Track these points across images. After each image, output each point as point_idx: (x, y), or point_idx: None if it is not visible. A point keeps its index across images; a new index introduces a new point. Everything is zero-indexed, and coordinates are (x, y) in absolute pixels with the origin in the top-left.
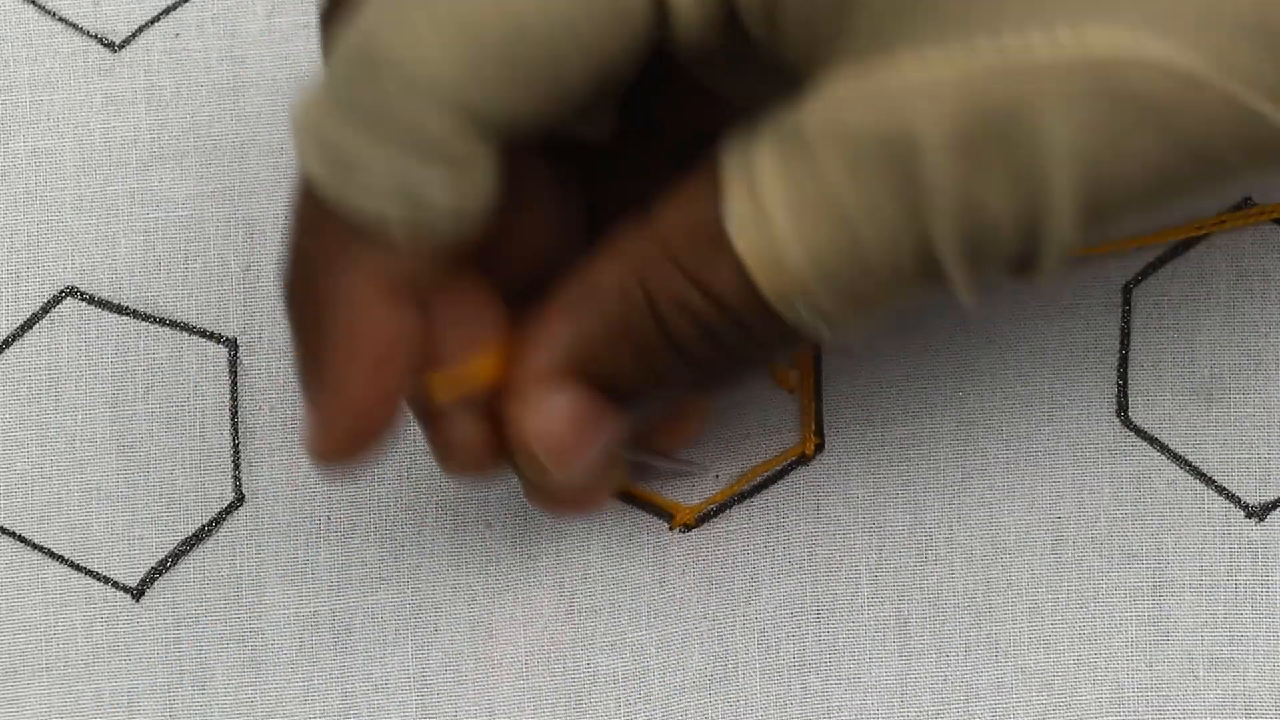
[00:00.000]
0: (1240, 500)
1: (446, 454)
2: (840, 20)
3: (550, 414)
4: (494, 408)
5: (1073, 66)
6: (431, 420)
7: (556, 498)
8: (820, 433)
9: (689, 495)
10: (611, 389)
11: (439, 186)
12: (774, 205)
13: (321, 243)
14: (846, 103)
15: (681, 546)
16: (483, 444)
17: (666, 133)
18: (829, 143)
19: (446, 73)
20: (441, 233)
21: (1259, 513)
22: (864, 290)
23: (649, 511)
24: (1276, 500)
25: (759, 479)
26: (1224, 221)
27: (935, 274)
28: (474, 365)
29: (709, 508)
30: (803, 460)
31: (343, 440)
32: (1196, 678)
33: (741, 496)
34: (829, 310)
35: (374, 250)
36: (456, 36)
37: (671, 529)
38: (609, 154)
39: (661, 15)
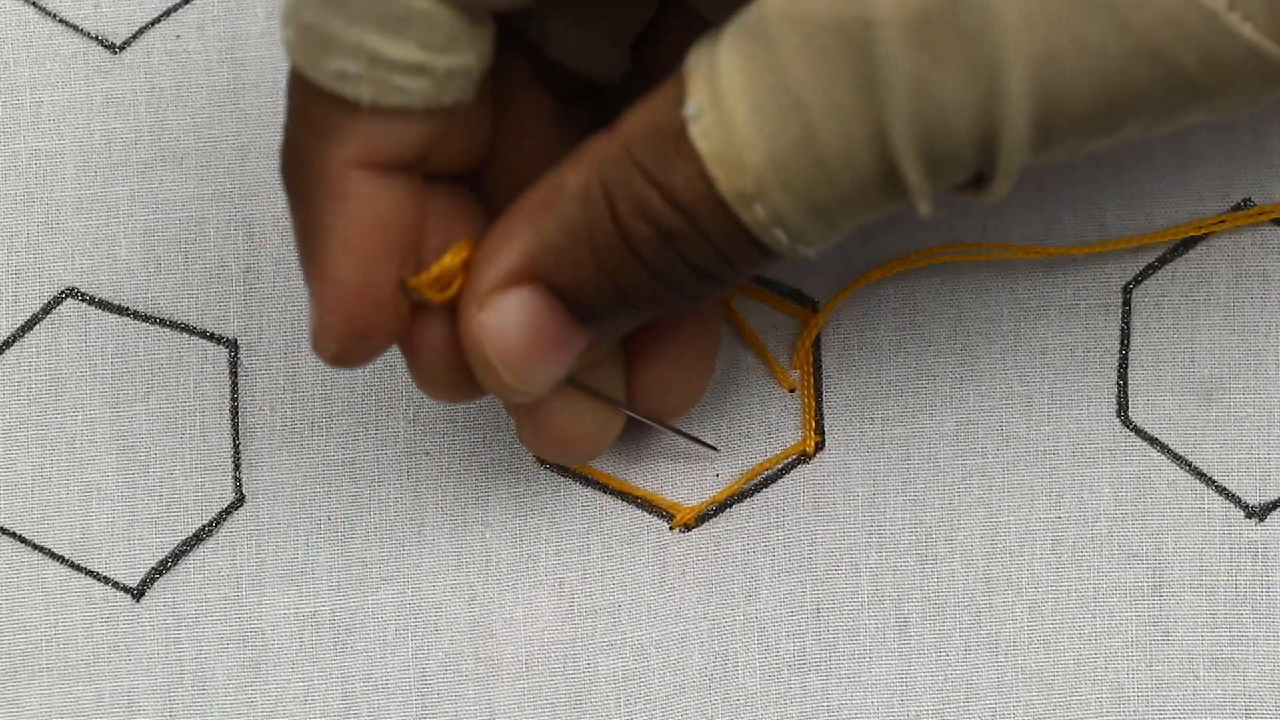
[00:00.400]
0: (1240, 500)
1: (420, 367)
2: None
3: (505, 317)
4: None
5: None
6: (409, 332)
7: (544, 434)
8: (821, 431)
9: (689, 495)
10: (574, 301)
11: (404, 54)
12: (733, 99)
13: (309, 126)
14: None
15: (682, 546)
16: (454, 353)
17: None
18: (788, 28)
19: None
20: (413, 98)
21: (1259, 513)
22: (822, 195)
23: (649, 511)
24: (1276, 500)
25: (759, 478)
26: (1224, 222)
27: (893, 179)
28: (445, 262)
29: (709, 508)
30: (803, 459)
31: (341, 329)
32: (1197, 678)
33: (742, 496)
34: (787, 215)
35: (357, 129)
36: None
37: (672, 529)
38: (621, 95)
39: None
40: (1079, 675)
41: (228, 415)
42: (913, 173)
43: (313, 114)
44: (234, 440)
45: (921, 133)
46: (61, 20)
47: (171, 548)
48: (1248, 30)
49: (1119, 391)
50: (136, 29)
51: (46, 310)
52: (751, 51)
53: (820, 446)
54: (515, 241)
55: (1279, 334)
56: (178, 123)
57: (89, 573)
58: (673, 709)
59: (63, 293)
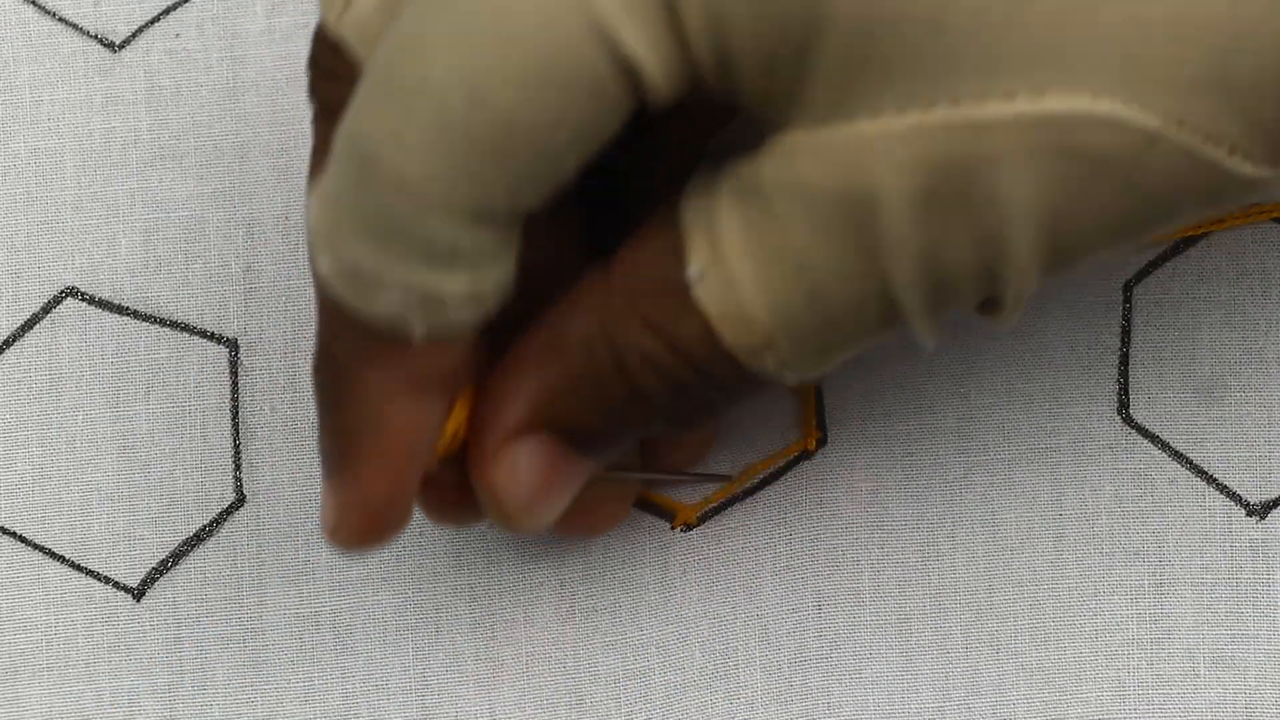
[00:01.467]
0: (1241, 498)
1: (428, 504)
2: (796, 87)
3: (515, 469)
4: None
5: (1029, 124)
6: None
7: (568, 523)
8: (823, 427)
9: (691, 495)
10: (578, 437)
11: (457, 288)
12: (737, 261)
13: (346, 343)
14: (806, 159)
15: (683, 545)
16: (461, 495)
17: (664, 150)
18: (789, 198)
19: (441, 178)
20: (464, 327)
21: (1260, 511)
22: (828, 339)
23: (651, 512)
24: (1277, 498)
25: (761, 475)
26: (1224, 220)
27: (897, 321)
28: (455, 429)
29: (711, 506)
30: (805, 455)
31: (362, 529)
32: (1198, 675)
33: (744, 494)
34: (794, 360)
35: (398, 351)
36: (444, 141)
37: (673, 528)
38: (611, 172)
39: (636, 86)
40: (1080, 672)
41: (228, 415)
42: (919, 320)
43: (353, 335)
44: (234, 440)
45: (929, 290)
46: (60, 19)
47: (172, 548)
48: (1248, 168)
49: (1120, 389)
50: (136, 28)
51: (46, 310)
52: (750, 215)
53: (822, 443)
54: (520, 393)
55: (1279, 332)
56: (177, 121)
57: (89, 573)
58: (673, 707)
59: (62, 292)
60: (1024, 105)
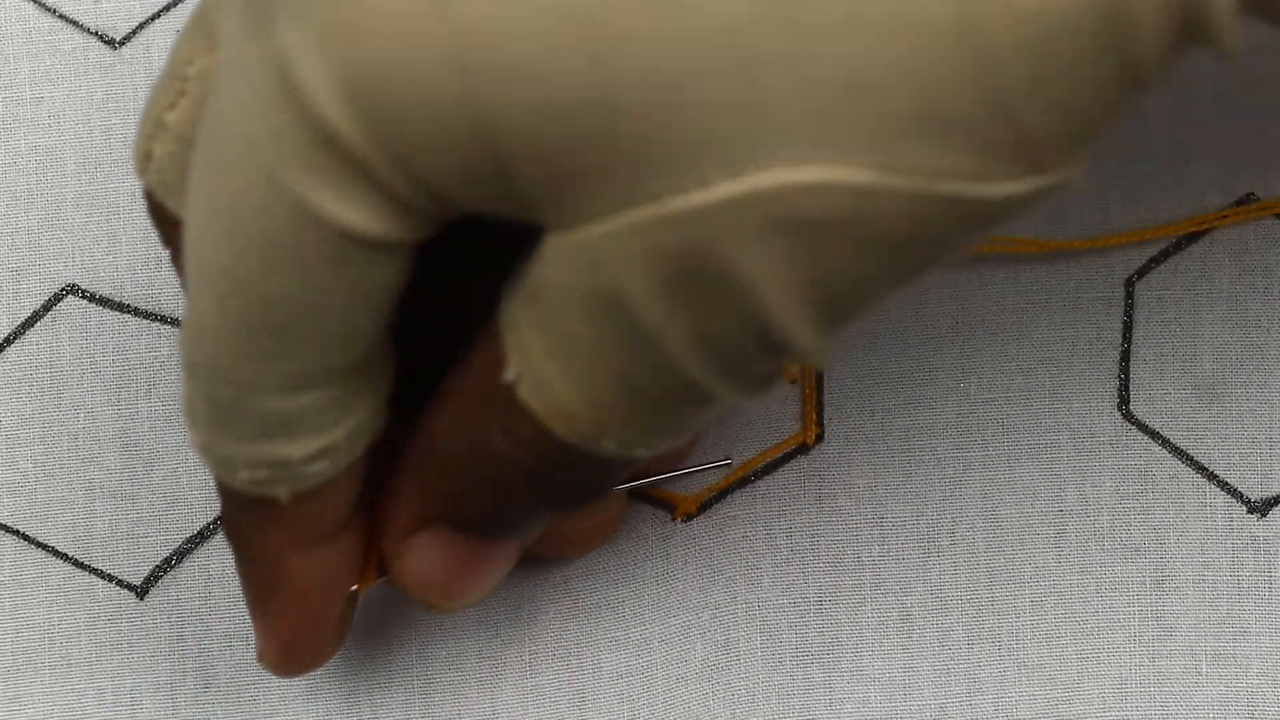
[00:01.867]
0: (1242, 495)
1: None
2: (521, 206)
3: (419, 563)
4: None
5: (739, 204)
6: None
7: (564, 546)
8: (821, 422)
9: (690, 484)
10: (474, 526)
11: (305, 451)
12: (542, 363)
13: (233, 507)
14: (560, 263)
15: (684, 536)
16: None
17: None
18: (561, 300)
19: (242, 361)
20: (330, 478)
21: (1261, 508)
22: (660, 417)
23: (651, 504)
24: (1278, 496)
25: (759, 466)
26: (1226, 216)
27: (709, 388)
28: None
29: (710, 495)
30: (803, 449)
31: (284, 661)
32: (1199, 673)
33: (742, 483)
34: (638, 438)
35: (285, 517)
36: (229, 327)
37: (674, 519)
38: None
39: (370, 243)
40: (1081, 670)
41: None
42: (720, 384)
43: (240, 501)
44: None
45: (714, 360)
46: (61, 16)
47: (175, 545)
48: (1005, 187)
49: (1121, 385)
50: (136, 24)
51: (47, 307)
52: (539, 318)
53: (820, 438)
54: (408, 496)
55: None
56: None
57: (93, 570)
58: (675, 701)
59: (63, 289)
60: (727, 188)
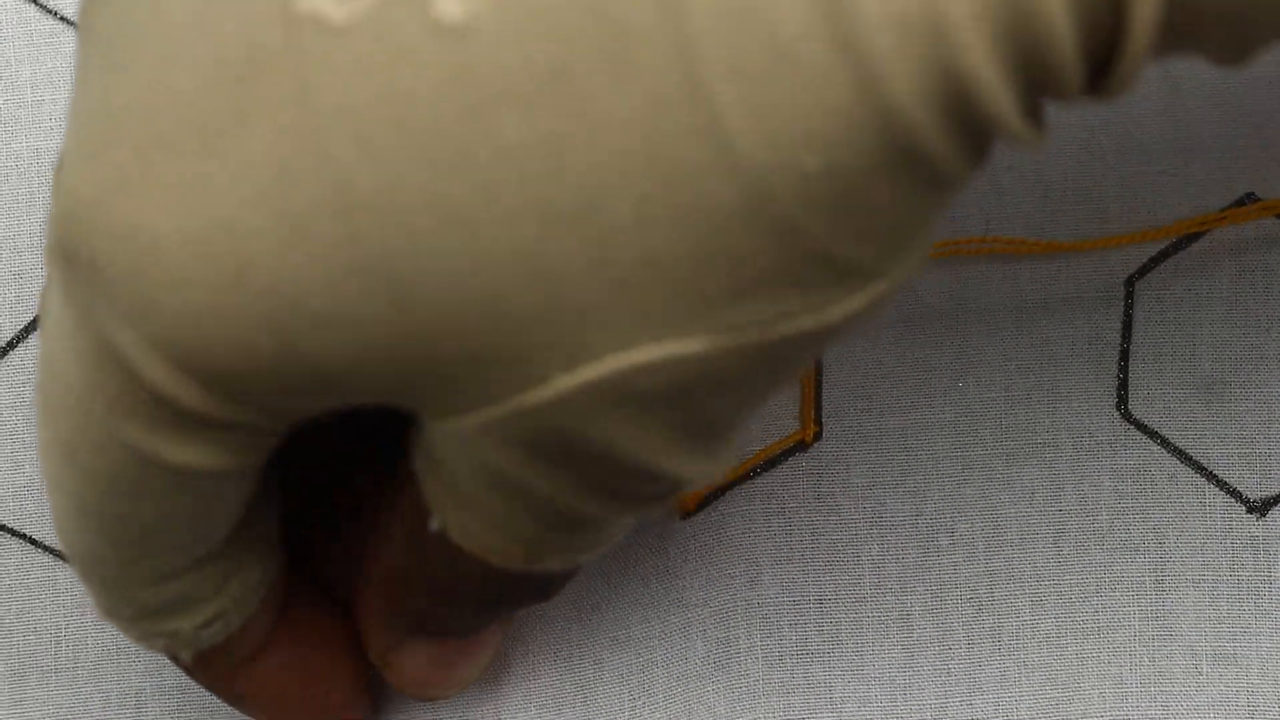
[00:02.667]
0: (1242, 495)
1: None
2: (399, 407)
3: (408, 672)
4: None
5: (582, 392)
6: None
7: None
8: (819, 421)
9: None
10: (452, 630)
11: (196, 622)
12: (462, 517)
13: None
14: (440, 442)
15: (683, 534)
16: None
17: None
18: (453, 470)
19: (105, 559)
20: (235, 628)
21: (1260, 508)
22: (581, 539)
23: None
24: (1278, 496)
25: (758, 464)
26: (1224, 218)
27: (618, 517)
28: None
29: (709, 492)
30: (802, 447)
31: None
32: (1199, 673)
33: (740, 479)
34: (570, 557)
35: (203, 664)
36: (87, 539)
37: (672, 516)
38: None
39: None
40: (1082, 669)
41: None
42: (632, 515)
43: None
44: None
45: (614, 498)
46: (62, 18)
47: None
48: (839, 308)
49: (1120, 384)
50: None
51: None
52: (440, 480)
53: (819, 436)
54: (374, 622)
55: None
56: None
57: None
58: (675, 699)
59: None
60: (565, 381)
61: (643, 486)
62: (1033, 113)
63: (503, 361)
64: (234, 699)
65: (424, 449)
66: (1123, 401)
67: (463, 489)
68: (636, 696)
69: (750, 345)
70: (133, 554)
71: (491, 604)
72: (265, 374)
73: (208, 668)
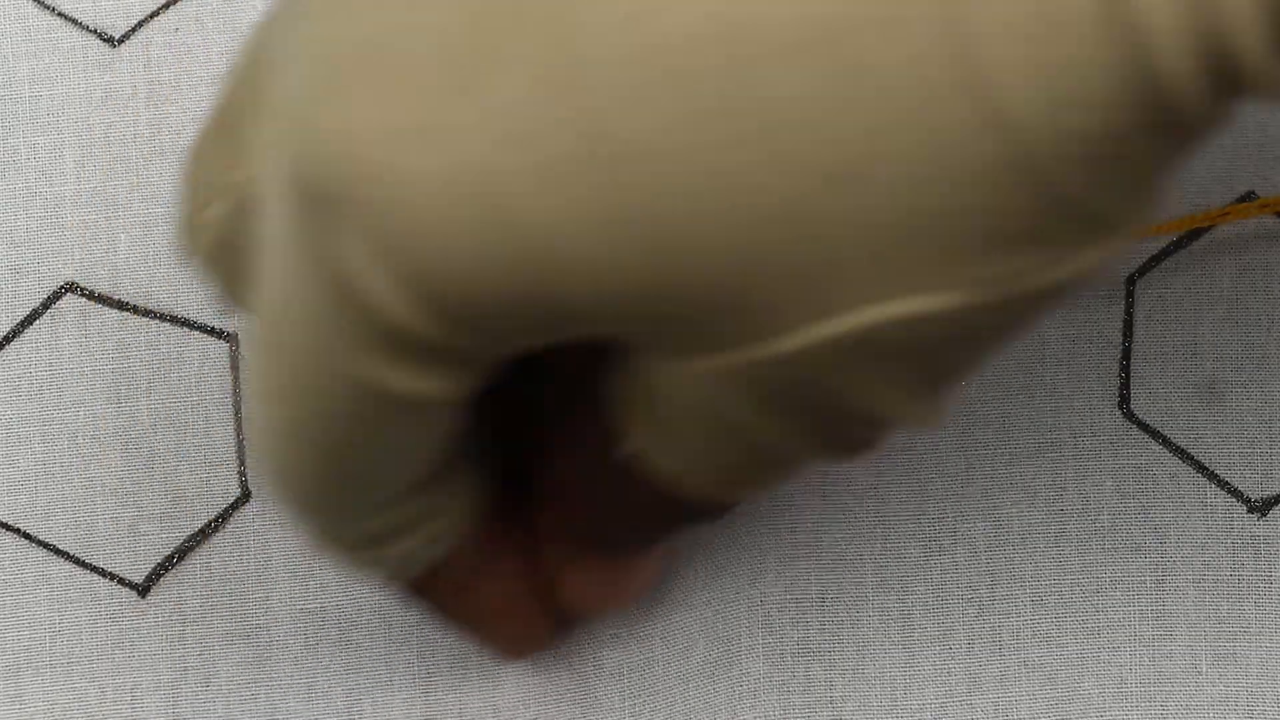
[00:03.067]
0: (1243, 495)
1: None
2: (631, 348)
3: (579, 589)
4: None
5: (835, 342)
6: None
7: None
8: None
9: None
10: (625, 551)
11: (426, 537)
12: (658, 452)
13: (396, 590)
14: (659, 379)
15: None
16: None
17: None
18: (666, 408)
19: (326, 507)
20: (458, 540)
21: (1261, 507)
22: (768, 480)
23: None
24: (1279, 495)
25: None
26: (1227, 214)
27: (821, 460)
28: None
29: None
30: None
31: (519, 653)
32: (1200, 673)
33: None
34: (753, 494)
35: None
36: (308, 481)
37: None
38: None
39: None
40: (1082, 668)
41: (231, 410)
42: (834, 459)
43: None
44: (238, 435)
45: (828, 446)
46: (60, 14)
47: (177, 544)
48: (1090, 256)
49: (1121, 383)
50: (135, 22)
51: (46, 305)
52: (643, 413)
53: None
54: (551, 536)
55: None
56: (177, 116)
57: (94, 569)
58: (676, 698)
59: (62, 288)
60: (819, 330)
61: (861, 433)
62: None
63: (751, 310)
64: (449, 618)
65: (630, 378)
66: (1124, 401)
67: (668, 421)
68: (636, 694)
69: (997, 300)
70: (361, 485)
71: (666, 526)
72: (511, 311)
73: (422, 592)
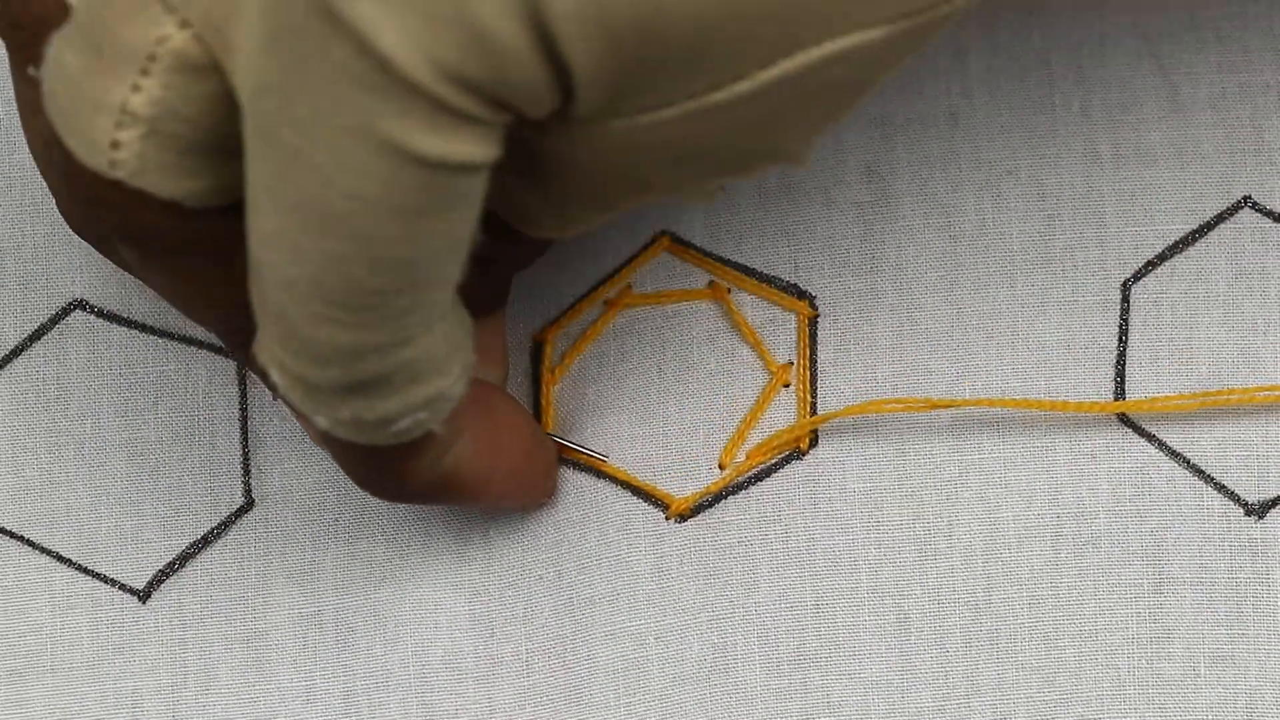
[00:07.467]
0: (1239, 498)
1: None
2: (603, 104)
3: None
4: None
5: (778, 83)
6: None
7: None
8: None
9: (683, 487)
10: None
11: (454, 375)
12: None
13: (377, 470)
14: (577, 145)
15: (679, 537)
16: None
17: None
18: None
19: (382, 329)
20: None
21: (1258, 511)
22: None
23: (644, 500)
24: (1276, 498)
25: (754, 470)
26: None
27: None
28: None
29: (704, 499)
30: (797, 454)
31: (538, 493)
32: (1197, 675)
33: (736, 488)
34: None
35: (433, 447)
36: (367, 294)
37: (667, 519)
38: None
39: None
40: (1080, 672)
41: (237, 424)
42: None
43: (381, 458)
44: (243, 447)
45: (703, 186)
46: None
47: (179, 551)
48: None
49: (1117, 388)
50: None
51: (54, 321)
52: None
53: (814, 443)
54: None
55: (1278, 331)
56: None
57: (96, 575)
58: (671, 701)
59: (71, 304)
60: (763, 75)
61: (760, 167)
62: None
63: (718, 56)
64: (445, 488)
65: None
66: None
67: (562, 184)
68: (633, 694)
69: (914, 29)
70: (400, 290)
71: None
72: (517, 65)
73: (423, 453)
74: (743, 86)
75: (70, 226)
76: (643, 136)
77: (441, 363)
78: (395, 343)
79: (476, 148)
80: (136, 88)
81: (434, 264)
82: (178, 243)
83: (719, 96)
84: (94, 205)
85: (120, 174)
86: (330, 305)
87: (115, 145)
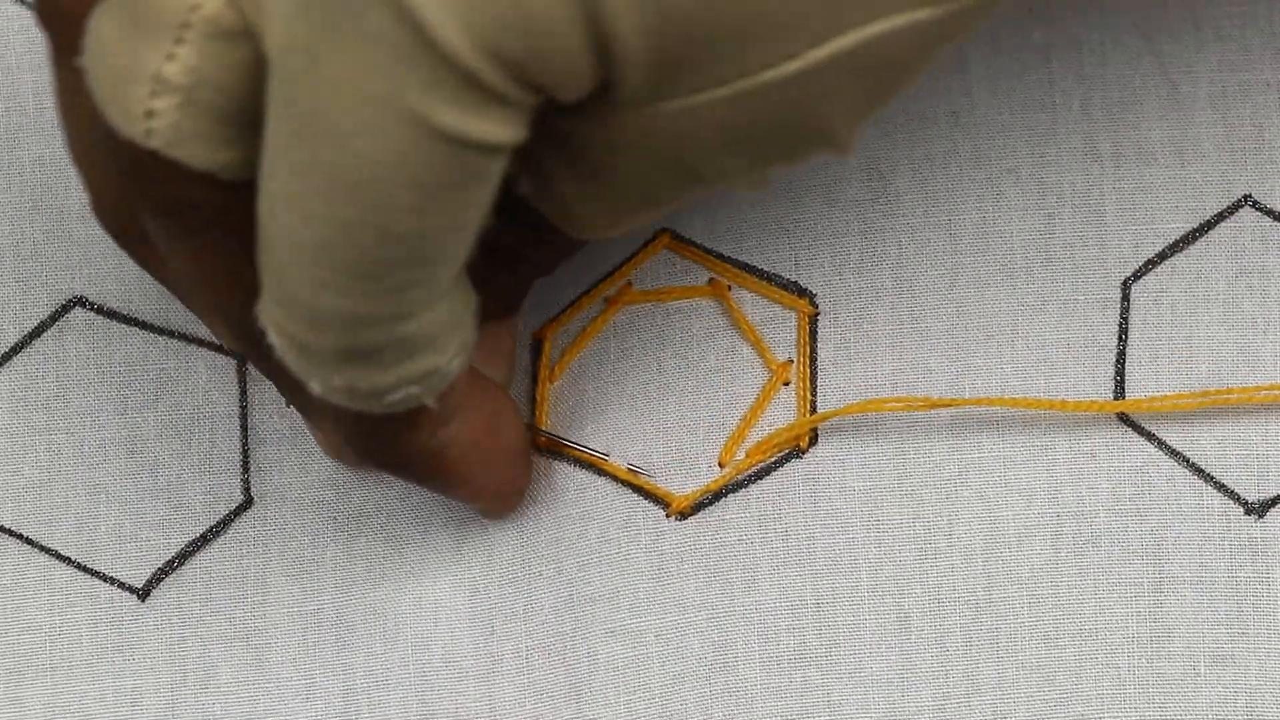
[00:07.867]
0: (1239, 497)
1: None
2: (647, 87)
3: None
4: None
5: (827, 64)
6: None
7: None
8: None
9: (683, 484)
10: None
11: (450, 353)
12: (580, 208)
13: (370, 438)
14: (617, 129)
15: (679, 535)
16: None
17: None
18: (605, 153)
19: (380, 302)
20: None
21: (1258, 509)
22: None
23: (644, 497)
24: (1276, 497)
25: (754, 469)
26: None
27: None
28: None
29: (704, 497)
30: (797, 453)
31: (509, 505)
32: (1198, 674)
33: (736, 486)
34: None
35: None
36: (365, 267)
37: (667, 517)
38: None
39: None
40: (1080, 671)
41: (237, 422)
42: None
43: (375, 428)
44: (243, 445)
45: (755, 178)
46: None
47: (178, 549)
48: None
49: (1117, 386)
50: None
51: (54, 318)
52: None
53: (814, 441)
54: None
55: (1278, 330)
56: None
57: (95, 573)
58: (671, 698)
59: (70, 301)
60: (814, 55)
61: (808, 154)
62: None
63: (764, 37)
64: (430, 464)
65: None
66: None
67: (608, 169)
68: (633, 692)
69: (960, 12)
70: (411, 263)
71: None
72: (557, 46)
73: (419, 426)
74: (794, 66)
75: (101, 223)
76: (692, 120)
77: (439, 340)
78: (395, 316)
79: (500, 128)
80: (171, 56)
81: (442, 240)
82: (210, 215)
83: (770, 75)
84: (131, 180)
85: (156, 143)
86: (335, 271)
87: (150, 114)
